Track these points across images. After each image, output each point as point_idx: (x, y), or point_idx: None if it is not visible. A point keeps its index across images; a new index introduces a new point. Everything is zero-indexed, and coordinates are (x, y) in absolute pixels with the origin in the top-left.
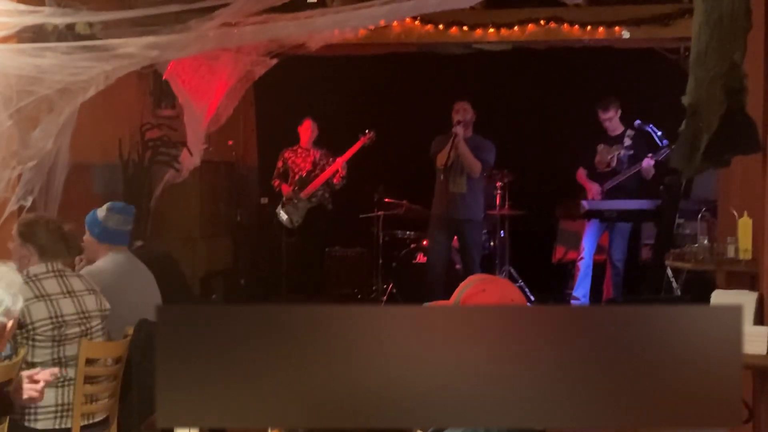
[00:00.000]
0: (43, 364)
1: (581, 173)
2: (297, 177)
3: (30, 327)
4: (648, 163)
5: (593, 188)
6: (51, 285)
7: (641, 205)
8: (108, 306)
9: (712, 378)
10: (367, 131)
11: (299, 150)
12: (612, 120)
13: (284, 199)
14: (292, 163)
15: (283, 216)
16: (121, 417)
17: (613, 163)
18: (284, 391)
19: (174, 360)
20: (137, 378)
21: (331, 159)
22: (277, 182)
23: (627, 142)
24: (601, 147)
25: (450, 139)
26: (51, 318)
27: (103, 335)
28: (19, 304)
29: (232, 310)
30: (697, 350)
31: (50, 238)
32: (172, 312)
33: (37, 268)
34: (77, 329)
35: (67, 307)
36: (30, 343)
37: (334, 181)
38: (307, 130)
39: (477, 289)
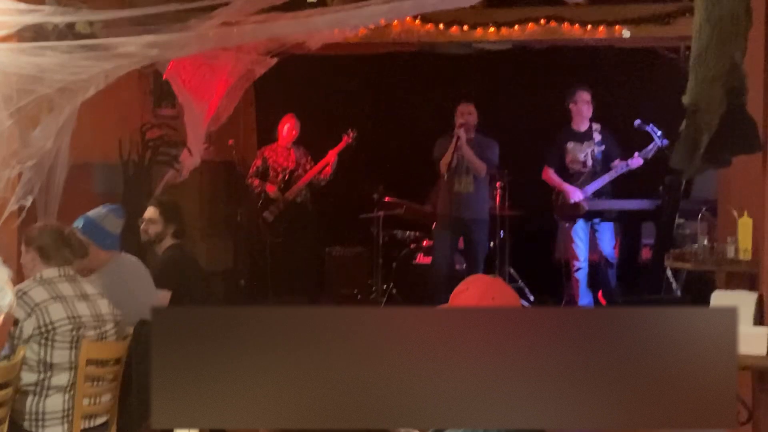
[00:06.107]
0: (61, 366)
1: (549, 173)
2: (280, 176)
3: (50, 327)
4: (637, 162)
5: (572, 191)
6: (65, 288)
7: (641, 205)
8: (119, 312)
9: (707, 379)
10: (350, 130)
11: (279, 149)
12: (589, 105)
13: (270, 198)
14: (273, 162)
15: (269, 217)
16: (120, 419)
17: (589, 162)
18: (281, 392)
19: (170, 361)
20: (137, 379)
21: (311, 158)
22: (257, 182)
23: (597, 137)
24: (570, 145)
25: (451, 140)
26: (69, 318)
27: (118, 340)
28: (8, 299)
29: (228, 312)
30: (692, 352)
31: (49, 241)
32: (168, 314)
33: (50, 272)
34: (93, 332)
35: (83, 309)
36: (49, 344)
37: (321, 176)
38: (291, 128)
39: (461, 288)
